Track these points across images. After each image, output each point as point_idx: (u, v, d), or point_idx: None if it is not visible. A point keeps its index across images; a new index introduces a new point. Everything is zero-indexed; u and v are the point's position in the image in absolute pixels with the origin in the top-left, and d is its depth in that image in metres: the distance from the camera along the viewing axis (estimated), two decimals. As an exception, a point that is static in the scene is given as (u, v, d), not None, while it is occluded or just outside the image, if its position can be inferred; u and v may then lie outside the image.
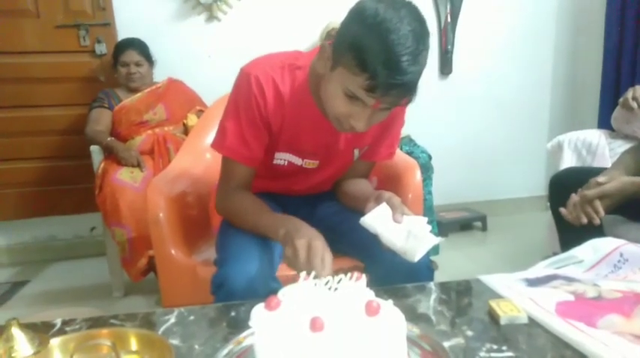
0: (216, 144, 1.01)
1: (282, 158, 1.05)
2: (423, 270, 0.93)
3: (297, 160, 1.05)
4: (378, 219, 0.86)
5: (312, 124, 1.00)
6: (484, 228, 2.68)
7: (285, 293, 0.57)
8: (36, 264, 2.52)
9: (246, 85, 0.96)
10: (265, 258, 0.93)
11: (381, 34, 0.76)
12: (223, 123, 1.00)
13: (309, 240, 0.81)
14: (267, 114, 0.97)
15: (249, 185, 1.04)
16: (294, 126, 0.99)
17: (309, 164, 1.07)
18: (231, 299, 0.84)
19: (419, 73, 0.81)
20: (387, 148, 1.12)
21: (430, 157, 2.17)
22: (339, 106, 0.85)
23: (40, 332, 0.66)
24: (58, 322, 0.77)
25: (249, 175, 1.03)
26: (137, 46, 2.21)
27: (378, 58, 0.76)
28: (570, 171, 1.50)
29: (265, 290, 0.86)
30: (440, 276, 2.05)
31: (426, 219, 0.87)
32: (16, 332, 0.57)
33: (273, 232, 0.91)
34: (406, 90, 0.81)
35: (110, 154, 2.08)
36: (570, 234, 1.34)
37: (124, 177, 1.96)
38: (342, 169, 1.12)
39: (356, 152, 1.09)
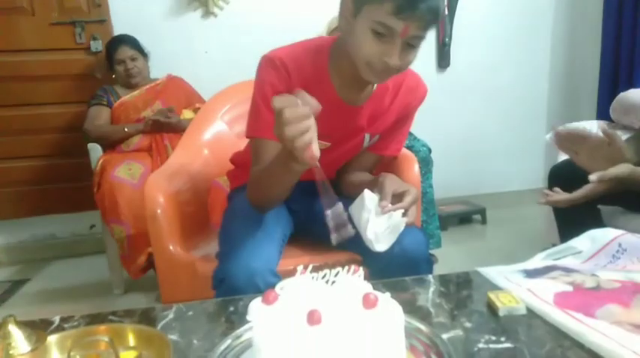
0: (250, 131, 1.00)
1: None
2: (422, 264, 0.94)
3: None
4: (358, 208, 0.91)
5: (329, 107, 1.00)
6: (484, 221, 2.68)
7: (282, 287, 0.57)
8: (36, 262, 2.52)
9: (268, 68, 0.97)
10: (266, 253, 0.93)
11: None
12: (253, 110, 1.00)
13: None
14: (291, 93, 0.97)
15: None
16: None
17: (322, 145, 1.07)
18: (232, 294, 0.84)
19: None
20: (396, 144, 1.15)
21: (430, 151, 2.17)
22: (370, 47, 0.86)
23: (39, 329, 0.65)
24: (57, 319, 0.77)
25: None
26: (128, 41, 2.22)
27: None
28: (569, 163, 1.50)
29: (266, 285, 0.86)
30: (440, 269, 2.05)
31: (399, 212, 0.90)
32: (12, 329, 0.56)
33: (282, 163, 0.86)
34: (431, 8, 0.83)
35: (118, 144, 2.10)
36: (569, 226, 1.34)
37: (122, 174, 1.96)
38: (349, 153, 1.12)
39: (367, 137, 1.09)
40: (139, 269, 1.92)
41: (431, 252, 2.14)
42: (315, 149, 0.73)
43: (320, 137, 1.03)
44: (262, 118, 0.97)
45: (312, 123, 0.73)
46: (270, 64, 0.96)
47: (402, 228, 0.90)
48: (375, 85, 1.03)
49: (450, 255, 2.20)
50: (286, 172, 0.85)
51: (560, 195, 1.19)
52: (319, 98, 0.98)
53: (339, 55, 0.97)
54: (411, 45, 0.88)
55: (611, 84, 2.47)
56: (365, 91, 1.02)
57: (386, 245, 0.91)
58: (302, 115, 0.71)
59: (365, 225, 0.90)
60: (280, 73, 0.95)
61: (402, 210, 0.90)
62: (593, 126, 1.85)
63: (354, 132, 1.06)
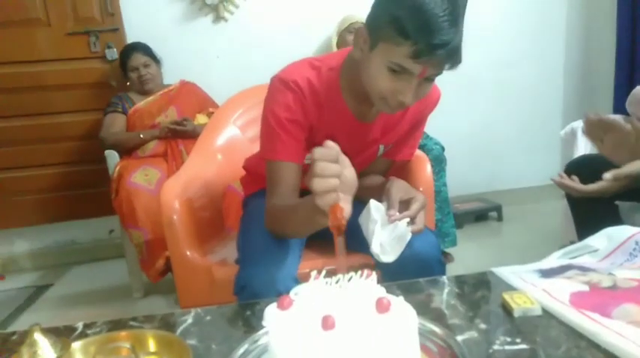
0: (266, 153, 0.99)
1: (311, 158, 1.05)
2: (435, 265, 0.94)
3: None
4: (365, 219, 0.90)
5: (343, 126, 1.00)
6: (499, 218, 2.66)
7: (297, 293, 0.58)
8: (58, 267, 2.58)
9: (283, 90, 0.95)
10: (287, 260, 0.94)
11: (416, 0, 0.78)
12: (267, 133, 0.98)
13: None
14: (308, 115, 0.97)
15: (297, 187, 0.98)
16: (329, 127, 0.99)
17: None
18: (254, 300, 0.85)
19: (460, 33, 0.82)
20: (409, 148, 1.14)
21: (443, 149, 2.15)
22: (385, 83, 0.84)
23: (63, 335, 0.68)
24: (80, 325, 0.79)
25: (296, 175, 0.97)
26: (141, 48, 2.26)
27: (418, 22, 0.77)
28: (586, 158, 1.48)
29: (287, 291, 0.87)
30: (456, 268, 2.04)
31: (405, 220, 0.89)
32: (38, 337, 0.59)
33: (308, 213, 0.81)
34: (450, 51, 0.80)
35: (134, 151, 2.14)
36: (586, 222, 1.33)
37: (139, 180, 1.99)
38: (362, 164, 1.12)
39: (381, 148, 1.09)
40: (158, 273, 1.96)
41: (446, 250, 2.13)
42: (347, 211, 0.70)
43: None
44: (278, 141, 0.96)
45: (340, 183, 0.70)
46: (285, 86, 0.95)
47: (409, 238, 0.88)
48: None
49: (466, 254, 2.19)
50: (310, 222, 0.83)
51: (574, 183, 1.17)
52: (333, 117, 0.98)
53: (350, 74, 0.95)
54: (428, 79, 0.86)
55: (627, 77, 2.42)
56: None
57: (393, 256, 0.89)
58: (332, 173, 0.69)
59: (370, 237, 0.89)
60: (295, 94, 0.94)
61: (408, 219, 0.89)
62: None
63: (368, 145, 1.06)
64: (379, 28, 0.82)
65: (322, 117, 0.98)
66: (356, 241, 1.01)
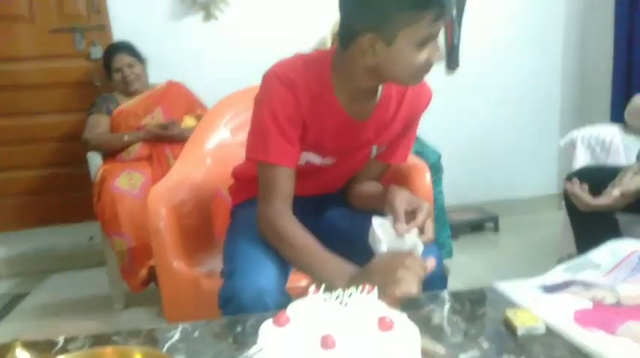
0: (260, 154, 0.95)
1: (303, 158, 1.01)
2: (436, 279, 0.90)
3: (316, 159, 1.02)
4: (372, 240, 0.88)
5: (336, 123, 0.98)
6: (496, 229, 2.61)
7: (294, 309, 0.54)
8: (35, 275, 2.47)
9: (277, 85, 0.92)
10: (275, 271, 0.90)
11: None
12: (260, 130, 0.94)
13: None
14: (301, 111, 0.94)
15: (292, 194, 0.96)
16: (320, 124, 0.97)
17: (327, 162, 1.04)
18: (241, 313, 0.81)
19: None
20: (403, 150, 1.12)
21: (440, 157, 2.13)
22: (419, 59, 0.86)
23: (43, 350, 0.63)
24: (61, 340, 0.74)
25: (291, 181, 0.95)
26: (125, 48, 2.19)
27: None
28: (586, 170, 1.48)
29: (275, 305, 0.83)
30: (452, 280, 1.99)
31: (415, 231, 0.87)
32: (20, 353, 0.54)
33: (327, 280, 0.84)
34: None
35: (118, 153, 2.07)
36: (586, 234, 1.32)
37: (123, 184, 1.92)
38: (356, 166, 1.09)
39: (374, 149, 1.06)
40: (140, 283, 1.88)
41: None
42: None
43: (327, 154, 1.02)
44: (273, 142, 0.92)
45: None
46: (279, 82, 0.92)
47: (421, 249, 0.85)
48: (379, 96, 1.00)
49: (462, 265, 2.14)
50: (329, 282, 0.81)
51: (584, 194, 1.16)
52: (326, 115, 0.97)
53: (341, 73, 0.93)
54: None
55: (624, 84, 2.40)
56: (369, 104, 0.99)
57: None
58: (417, 271, 0.78)
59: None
60: (290, 90, 0.91)
61: (417, 230, 0.86)
62: (608, 133, 1.82)
63: (362, 145, 1.04)
64: (389, 21, 0.82)
65: (315, 114, 0.95)
66: (353, 251, 0.97)
